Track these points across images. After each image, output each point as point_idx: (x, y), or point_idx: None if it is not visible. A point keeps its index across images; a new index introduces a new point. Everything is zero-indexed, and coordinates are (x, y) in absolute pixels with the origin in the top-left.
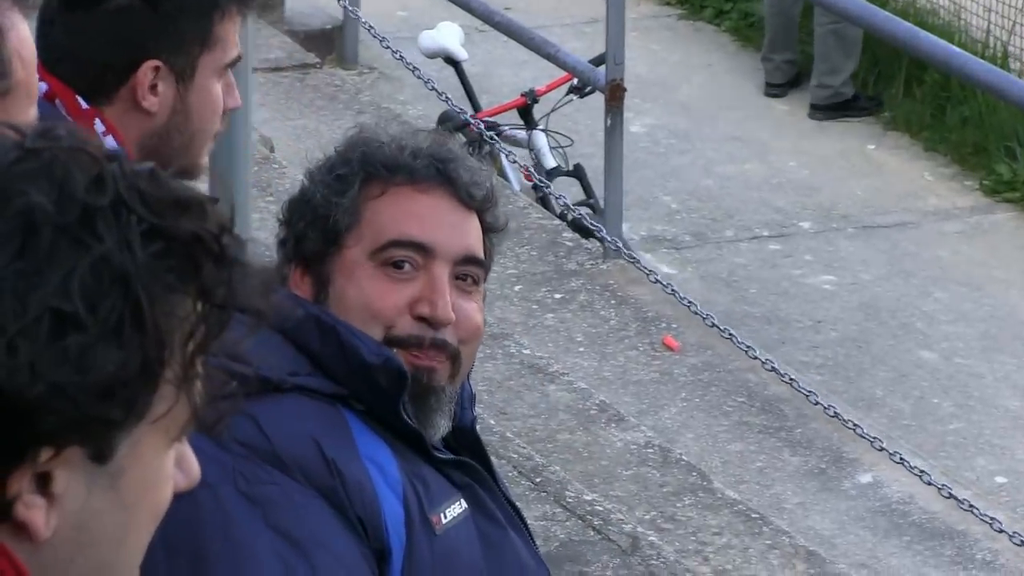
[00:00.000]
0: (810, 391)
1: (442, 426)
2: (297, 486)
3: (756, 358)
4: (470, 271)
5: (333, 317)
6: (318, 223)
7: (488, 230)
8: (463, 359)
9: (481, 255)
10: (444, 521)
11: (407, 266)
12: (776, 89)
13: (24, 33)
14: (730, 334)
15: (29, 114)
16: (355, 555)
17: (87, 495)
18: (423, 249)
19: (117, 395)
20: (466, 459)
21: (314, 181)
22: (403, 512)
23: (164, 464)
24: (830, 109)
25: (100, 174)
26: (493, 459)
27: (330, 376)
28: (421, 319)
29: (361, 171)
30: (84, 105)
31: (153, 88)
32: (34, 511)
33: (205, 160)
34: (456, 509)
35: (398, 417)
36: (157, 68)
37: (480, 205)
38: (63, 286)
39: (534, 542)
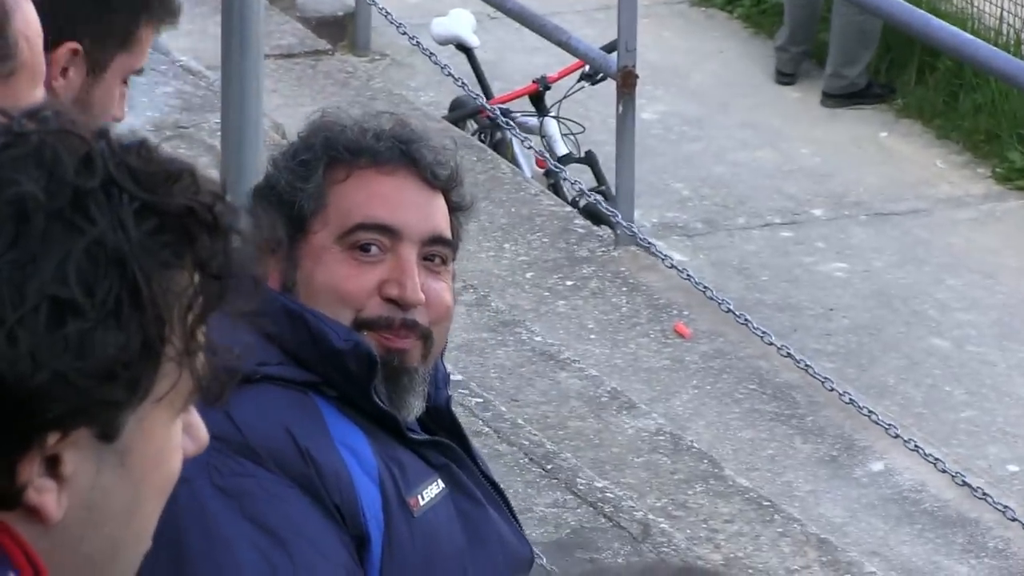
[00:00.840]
0: (825, 377)
1: (416, 407)
2: (272, 477)
3: (772, 344)
4: (438, 251)
5: (300, 305)
6: (283, 209)
7: (454, 209)
8: (435, 339)
9: (448, 235)
10: (422, 503)
11: (374, 249)
12: (787, 77)
13: (30, 14)
14: (746, 319)
15: (35, 96)
16: (334, 543)
17: (96, 474)
18: (390, 231)
19: (120, 377)
20: (442, 439)
21: (278, 167)
22: (380, 496)
23: (171, 436)
24: (843, 97)
25: (89, 155)
26: (503, 446)
27: (301, 364)
28: (390, 301)
29: (324, 155)
30: None
31: (64, 71)
32: (45, 495)
33: None
34: (433, 490)
35: (370, 401)
36: (75, 51)
37: (445, 184)
38: (59, 272)
39: (517, 520)
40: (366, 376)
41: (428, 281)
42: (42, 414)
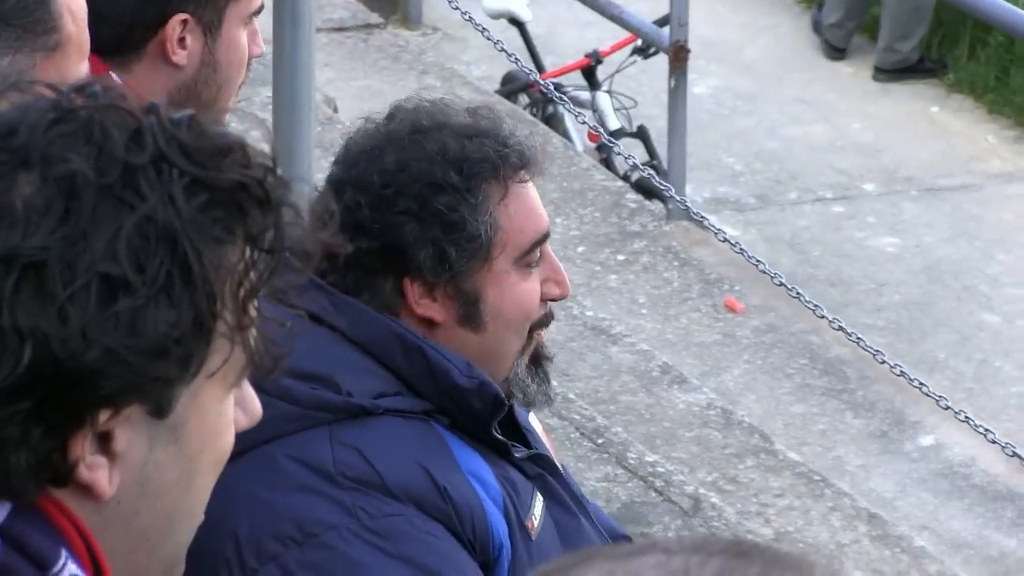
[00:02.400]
0: (877, 350)
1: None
2: (418, 514)
3: (823, 317)
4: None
5: (416, 336)
6: (466, 243)
7: None
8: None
9: None
10: (536, 524)
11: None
12: (838, 52)
13: None
14: (798, 293)
15: (80, 70)
16: (476, 574)
17: (149, 450)
18: (546, 238)
19: (171, 353)
20: (538, 451)
21: (440, 202)
22: (506, 524)
23: (224, 411)
24: (895, 72)
25: (139, 130)
26: (554, 420)
27: (415, 392)
28: (550, 299)
29: (481, 178)
30: (116, 80)
31: (182, 41)
32: (97, 472)
33: (229, 111)
34: (538, 506)
35: (489, 435)
36: (185, 21)
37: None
38: (110, 249)
39: (595, 520)
40: (490, 414)
41: None
42: (93, 391)
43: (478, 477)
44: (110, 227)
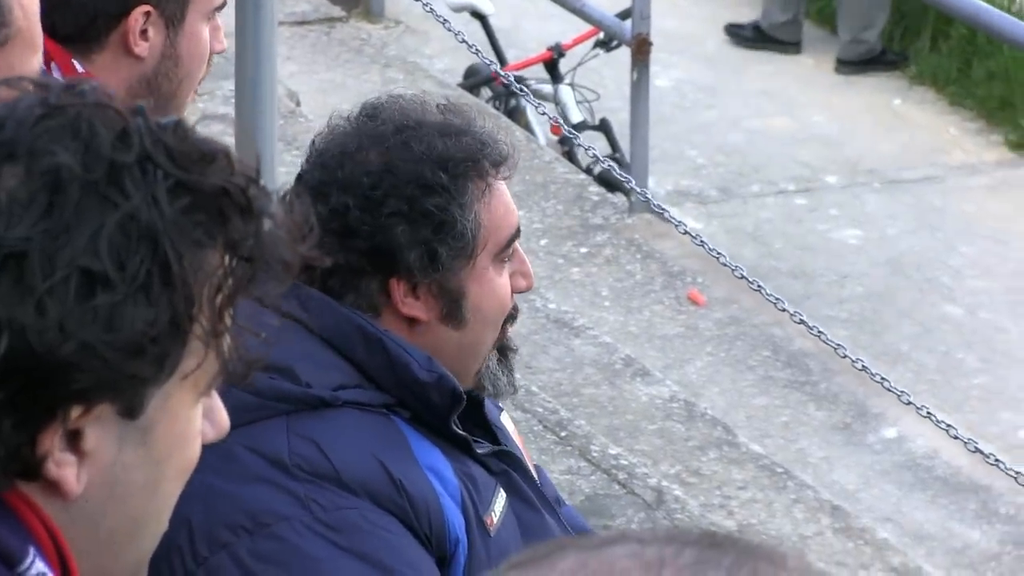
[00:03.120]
0: (838, 344)
1: (513, 380)
2: (372, 508)
3: (785, 310)
4: None
5: (377, 328)
6: (453, 241)
7: None
8: None
9: None
10: (495, 519)
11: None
12: (795, 47)
13: None
14: (759, 286)
15: (32, 64)
16: (432, 569)
17: (118, 451)
18: (519, 233)
19: (147, 352)
20: (503, 447)
21: (430, 203)
22: (463, 519)
23: (193, 418)
24: (859, 64)
25: (125, 130)
26: (518, 413)
27: (376, 384)
28: (517, 292)
29: (464, 176)
30: (80, 68)
31: (143, 33)
32: (65, 469)
33: (188, 106)
34: (500, 502)
35: (448, 428)
36: (148, 13)
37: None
38: (91, 245)
39: (561, 517)
40: (448, 408)
41: None
42: (67, 385)
43: (435, 472)
44: (93, 223)
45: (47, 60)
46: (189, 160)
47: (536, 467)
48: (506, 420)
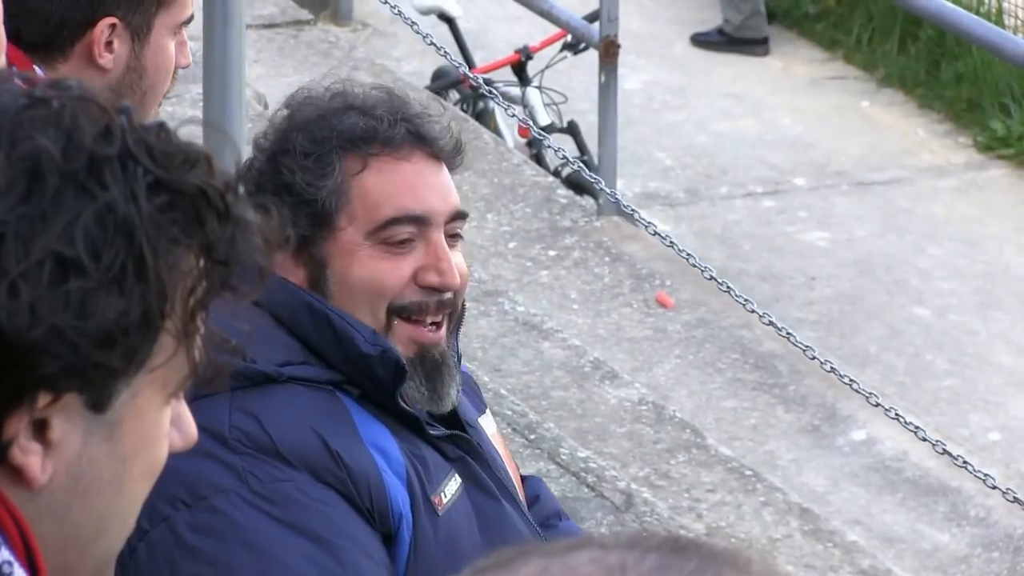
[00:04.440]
0: (807, 346)
1: (453, 393)
2: (310, 480)
3: (754, 312)
4: (458, 226)
5: (324, 304)
6: (302, 207)
7: (453, 172)
8: (458, 309)
9: (461, 206)
10: (445, 500)
11: (407, 240)
12: (762, 45)
13: None
14: (728, 287)
15: None
16: (375, 543)
17: (83, 444)
18: (420, 220)
19: (117, 343)
20: (459, 432)
21: (283, 164)
22: (408, 496)
23: (160, 420)
24: (721, 44)
25: (108, 125)
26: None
27: (325, 362)
28: (427, 287)
29: (339, 148)
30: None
31: (109, 45)
32: (30, 457)
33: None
34: (453, 486)
35: (395, 404)
36: (113, 25)
37: (453, 155)
38: (67, 232)
39: (524, 509)
40: (393, 382)
41: (451, 256)
42: (35, 369)
43: (379, 448)
44: (70, 211)
45: (8, 66)
46: (170, 160)
47: (535, 478)
48: (487, 421)
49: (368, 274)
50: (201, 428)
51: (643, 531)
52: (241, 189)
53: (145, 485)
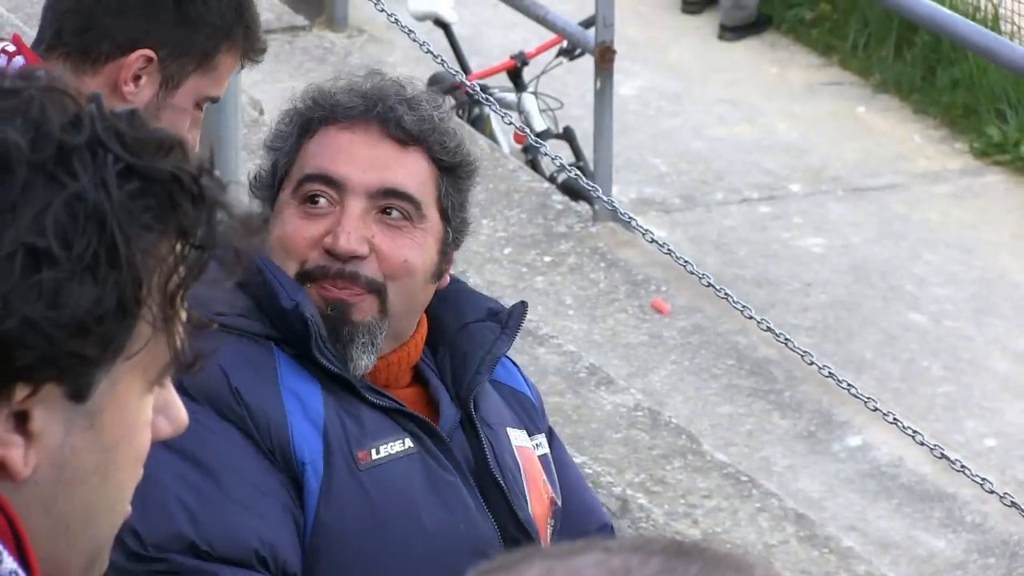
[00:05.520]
0: (804, 351)
1: (362, 361)
2: (206, 411)
3: (751, 318)
4: (395, 204)
5: (264, 260)
6: (266, 172)
7: (446, 167)
8: (391, 295)
9: (409, 189)
10: (375, 456)
11: (322, 201)
12: (693, 7)
13: None
14: (725, 293)
15: None
16: (270, 480)
17: (65, 434)
18: (333, 183)
19: (91, 331)
20: (402, 408)
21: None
22: (322, 445)
23: (143, 407)
24: (739, 29)
25: (77, 114)
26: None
27: (270, 318)
28: (329, 252)
29: (300, 116)
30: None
31: (137, 79)
32: (11, 449)
33: None
34: (396, 446)
35: (314, 360)
36: (150, 59)
37: (417, 137)
38: (37, 222)
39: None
40: (305, 337)
41: (381, 234)
42: (10, 361)
43: (297, 396)
44: (40, 201)
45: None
46: (141, 146)
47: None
48: (518, 435)
49: (282, 232)
50: None
51: (647, 536)
52: (216, 172)
53: (131, 472)
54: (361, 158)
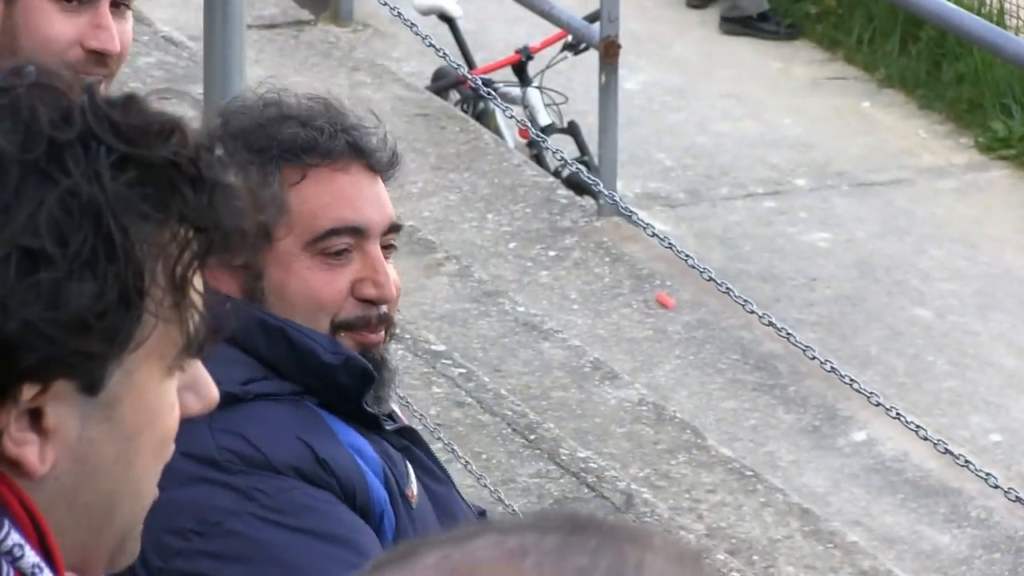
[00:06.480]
0: (807, 346)
1: (391, 400)
2: (308, 485)
3: (754, 312)
4: (393, 238)
5: (278, 318)
6: None
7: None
8: (393, 321)
9: (398, 220)
10: (415, 492)
11: (346, 252)
12: (698, 1)
13: None
14: (728, 288)
15: None
16: (375, 539)
17: (81, 427)
18: (358, 232)
19: (94, 328)
20: (407, 424)
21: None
22: (387, 494)
23: (163, 392)
24: (737, 23)
25: (68, 108)
26: (487, 416)
27: (282, 376)
28: (364, 300)
29: (278, 159)
30: None
31: None
32: (25, 448)
33: None
34: (412, 476)
35: (360, 409)
36: None
37: (389, 167)
38: (30, 222)
39: (457, 490)
40: (359, 388)
41: (387, 268)
42: (14, 363)
43: (357, 449)
44: (32, 201)
45: None
46: (136, 134)
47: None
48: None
49: (306, 287)
50: (187, 455)
51: (544, 512)
52: (219, 151)
53: (156, 458)
54: (370, 200)
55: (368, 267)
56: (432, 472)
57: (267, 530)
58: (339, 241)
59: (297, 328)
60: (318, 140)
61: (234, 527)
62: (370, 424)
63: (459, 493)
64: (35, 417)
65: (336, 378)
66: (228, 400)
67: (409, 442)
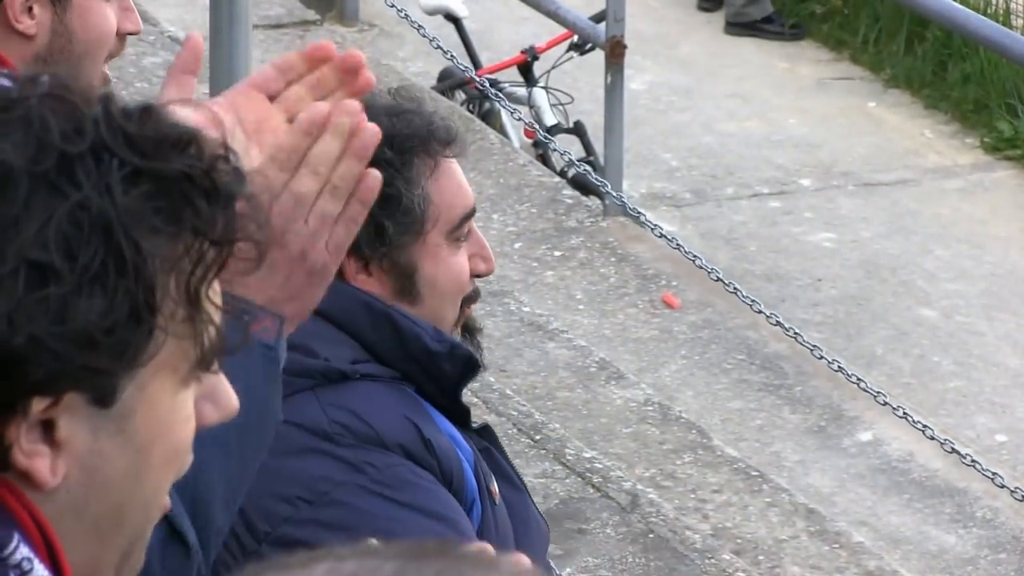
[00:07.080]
0: (815, 345)
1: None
2: (414, 464)
3: (760, 312)
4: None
5: (384, 303)
6: (398, 217)
7: None
8: None
9: None
10: (496, 490)
11: (468, 234)
12: (709, 3)
13: None
14: (735, 288)
15: None
16: (471, 525)
17: (93, 440)
18: (473, 213)
19: (102, 344)
20: (486, 423)
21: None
22: (476, 485)
23: (178, 405)
24: (742, 26)
25: (81, 120)
26: (492, 416)
27: (380, 360)
28: (477, 275)
29: (421, 151)
30: None
31: (29, 11)
32: (35, 460)
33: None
34: (492, 476)
35: (455, 399)
36: None
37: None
38: (39, 236)
39: (532, 500)
40: (461, 376)
41: None
42: (20, 378)
43: (453, 437)
44: (42, 214)
45: None
46: (150, 145)
47: None
48: None
49: (454, 272)
50: (297, 426)
51: (388, 543)
52: (235, 160)
53: (167, 470)
54: (468, 183)
55: (476, 243)
56: (509, 477)
57: (373, 502)
58: (468, 225)
59: (404, 314)
60: (451, 130)
61: (342, 497)
62: (460, 418)
63: (533, 502)
64: (47, 429)
65: (439, 366)
66: (336, 376)
67: (489, 443)
